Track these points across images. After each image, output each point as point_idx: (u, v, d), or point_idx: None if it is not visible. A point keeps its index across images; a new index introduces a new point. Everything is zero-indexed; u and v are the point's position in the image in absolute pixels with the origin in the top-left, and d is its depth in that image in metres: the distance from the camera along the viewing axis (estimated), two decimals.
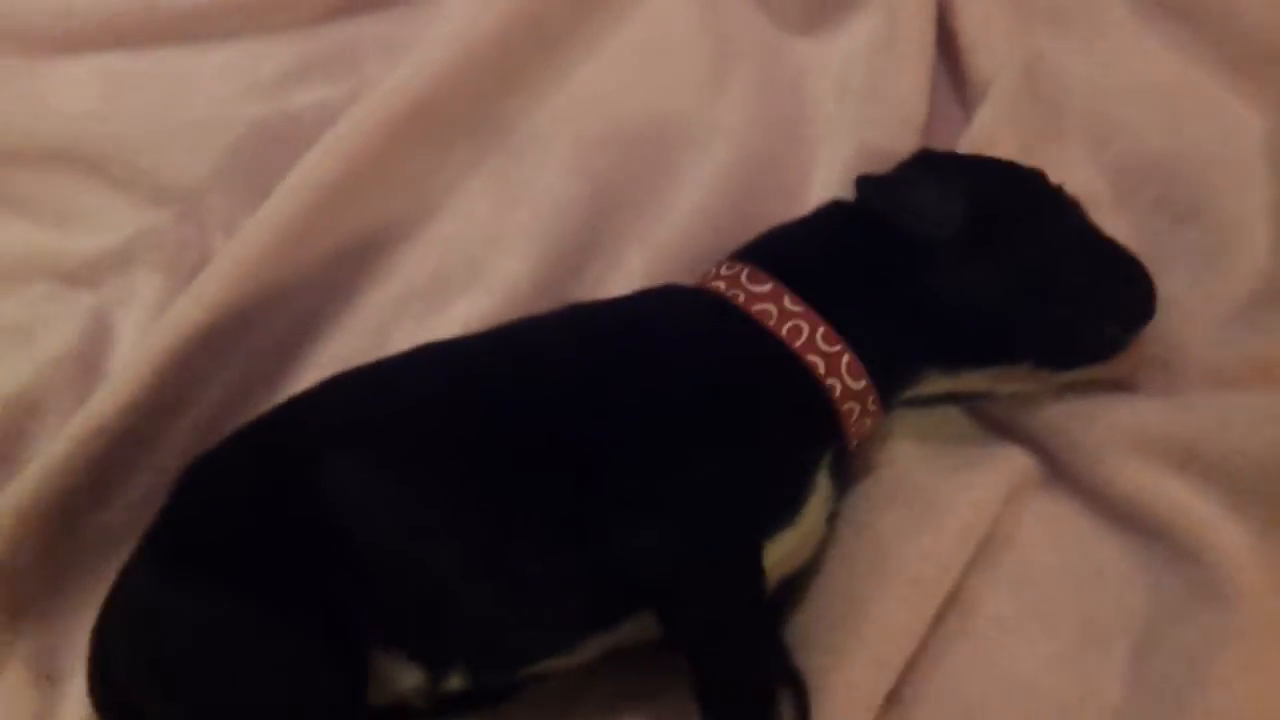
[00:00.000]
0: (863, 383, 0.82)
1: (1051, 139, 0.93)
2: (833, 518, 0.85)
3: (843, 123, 1.01)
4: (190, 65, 1.04)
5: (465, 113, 1.00)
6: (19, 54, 1.04)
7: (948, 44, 1.06)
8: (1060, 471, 0.90)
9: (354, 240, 0.95)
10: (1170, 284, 0.91)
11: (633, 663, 0.81)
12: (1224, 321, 0.93)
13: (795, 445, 0.80)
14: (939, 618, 0.84)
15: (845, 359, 0.81)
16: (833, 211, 0.90)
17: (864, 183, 0.88)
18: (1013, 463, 0.89)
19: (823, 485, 0.81)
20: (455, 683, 0.78)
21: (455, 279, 0.97)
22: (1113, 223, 0.92)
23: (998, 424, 0.92)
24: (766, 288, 0.83)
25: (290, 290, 0.92)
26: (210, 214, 0.98)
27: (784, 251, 0.86)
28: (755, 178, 0.99)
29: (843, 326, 0.82)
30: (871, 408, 0.83)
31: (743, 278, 0.84)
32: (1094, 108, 1.03)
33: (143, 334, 0.92)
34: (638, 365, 0.81)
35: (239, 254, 0.90)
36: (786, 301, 0.82)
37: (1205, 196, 0.98)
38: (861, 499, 0.88)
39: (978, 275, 0.84)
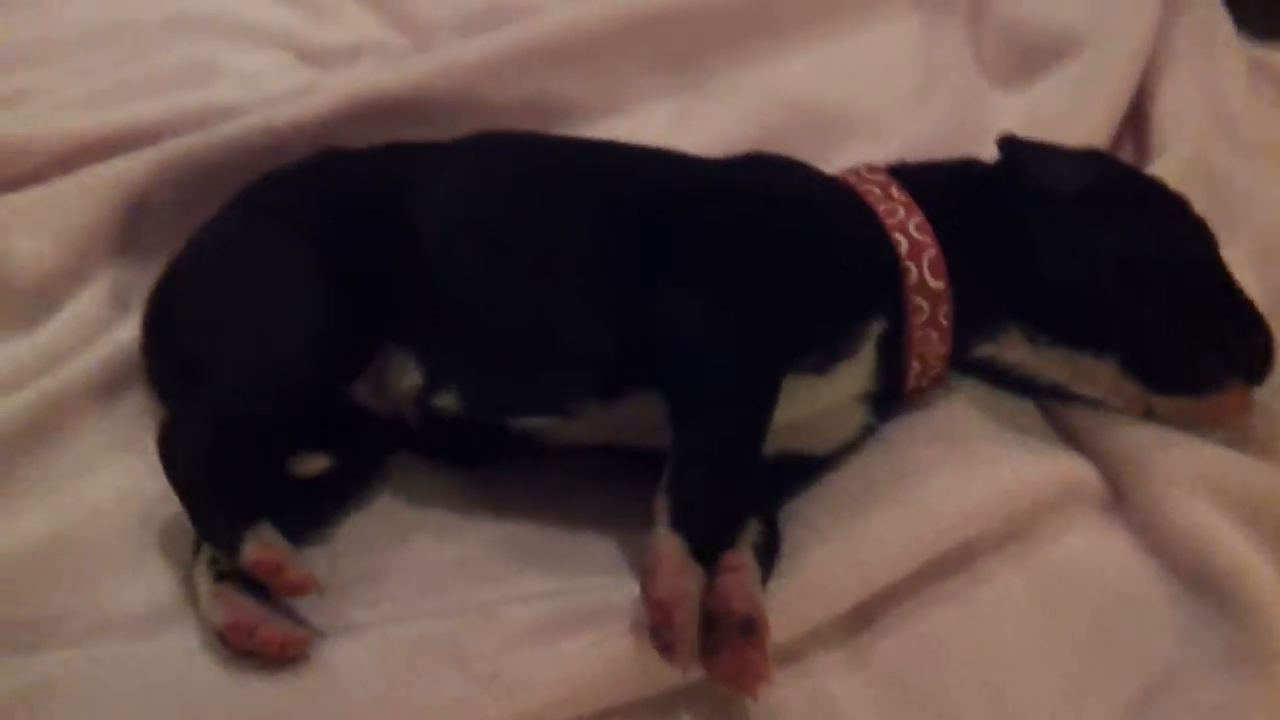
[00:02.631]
0: (940, 283, 0.81)
1: (1218, 231, 0.92)
2: (868, 431, 0.83)
3: None
4: None
5: (682, 48, 1.10)
6: None
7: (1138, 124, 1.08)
8: (1123, 495, 0.84)
9: (541, 98, 1.05)
10: None
11: None
12: None
13: (852, 296, 0.80)
14: (940, 575, 0.79)
15: (930, 251, 0.81)
16: (966, 160, 0.92)
17: (1006, 137, 0.89)
18: (1074, 467, 0.84)
19: (864, 356, 0.79)
20: (446, 402, 0.80)
21: None
22: None
23: (1071, 433, 0.87)
24: (880, 176, 0.86)
25: (473, 110, 1.02)
26: (440, 47, 1.10)
27: (907, 171, 0.88)
28: None
29: (939, 240, 0.82)
30: (942, 321, 0.81)
31: (861, 170, 0.87)
32: (1263, 220, 1.01)
33: None
34: (735, 179, 0.86)
35: (445, 57, 1.02)
36: (894, 190, 0.84)
37: None
38: (905, 429, 0.85)
39: (1083, 244, 0.83)
